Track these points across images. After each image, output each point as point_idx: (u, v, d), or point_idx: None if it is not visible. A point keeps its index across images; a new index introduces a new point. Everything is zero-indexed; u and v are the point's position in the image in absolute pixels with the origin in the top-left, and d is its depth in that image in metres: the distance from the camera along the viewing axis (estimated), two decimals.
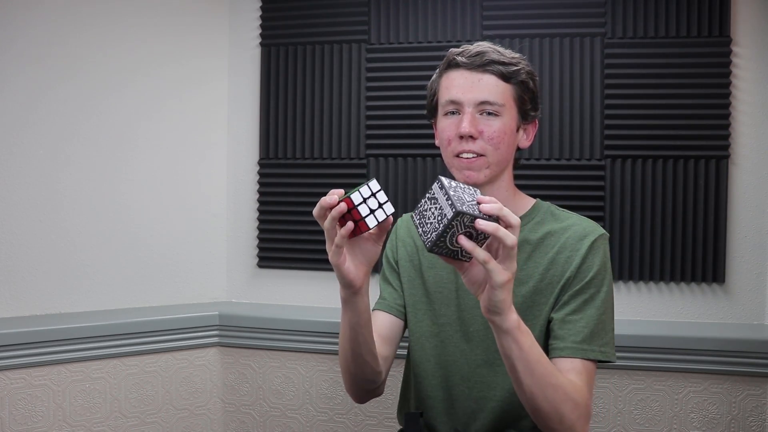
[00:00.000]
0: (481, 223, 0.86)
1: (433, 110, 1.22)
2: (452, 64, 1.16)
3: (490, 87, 1.12)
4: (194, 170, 1.96)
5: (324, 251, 1.88)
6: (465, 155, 1.13)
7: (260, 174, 1.98)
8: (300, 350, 1.80)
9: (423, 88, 1.84)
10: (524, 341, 0.96)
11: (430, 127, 1.86)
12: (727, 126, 1.74)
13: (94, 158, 1.80)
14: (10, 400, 1.55)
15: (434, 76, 1.21)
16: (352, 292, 1.04)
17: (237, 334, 1.83)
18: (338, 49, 1.91)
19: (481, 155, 1.12)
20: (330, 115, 1.92)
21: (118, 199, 1.84)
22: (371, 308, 1.24)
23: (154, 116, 1.89)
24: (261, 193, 1.98)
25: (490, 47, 1.14)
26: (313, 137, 1.93)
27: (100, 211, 1.81)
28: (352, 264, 1.02)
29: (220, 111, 2.00)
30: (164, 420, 1.78)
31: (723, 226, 1.74)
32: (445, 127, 1.16)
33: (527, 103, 1.17)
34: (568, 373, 1.07)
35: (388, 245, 1.34)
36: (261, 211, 1.98)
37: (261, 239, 1.98)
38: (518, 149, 1.21)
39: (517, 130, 1.17)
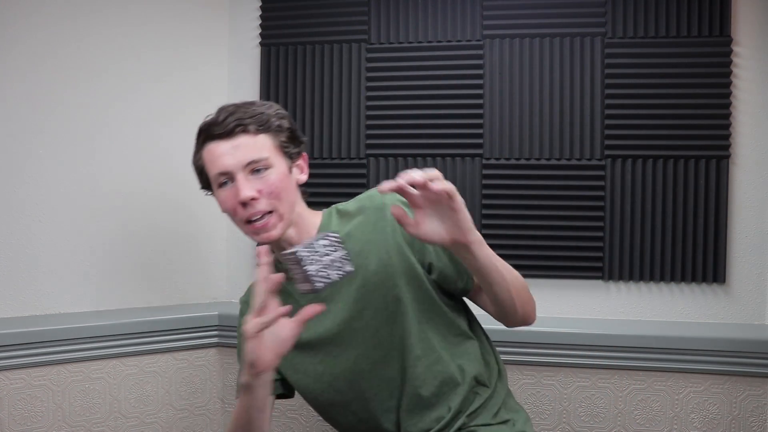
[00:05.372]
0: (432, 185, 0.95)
1: (207, 184, 1.21)
2: (207, 137, 1.15)
3: (249, 146, 1.12)
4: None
5: None
6: (255, 220, 1.13)
7: None
8: None
9: (423, 87, 1.86)
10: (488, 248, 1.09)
11: (431, 126, 1.88)
12: (728, 126, 1.73)
13: (93, 158, 1.80)
14: (9, 400, 1.55)
15: (195, 151, 1.20)
16: (258, 375, 1.00)
17: (237, 334, 1.83)
18: (338, 49, 1.91)
19: (270, 211, 1.13)
20: (330, 115, 1.92)
21: (118, 199, 1.84)
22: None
23: (153, 117, 1.89)
24: None
25: (233, 107, 1.15)
26: (313, 137, 1.93)
27: (100, 211, 1.81)
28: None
29: None
30: (164, 420, 1.78)
31: (723, 226, 1.74)
32: (225, 199, 1.15)
33: (289, 145, 1.17)
34: None
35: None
36: None
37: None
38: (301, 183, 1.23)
39: (290, 171, 1.18)
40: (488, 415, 1.21)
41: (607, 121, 1.78)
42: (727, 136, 1.74)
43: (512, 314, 1.16)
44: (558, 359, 1.68)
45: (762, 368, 1.60)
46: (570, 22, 1.79)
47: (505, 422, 1.22)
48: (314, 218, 1.23)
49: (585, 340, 1.66)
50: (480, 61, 1.84)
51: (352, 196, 1.90)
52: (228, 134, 1.12)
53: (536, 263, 1.82)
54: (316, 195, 1.93)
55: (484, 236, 1.82)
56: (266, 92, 1.96)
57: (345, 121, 1.91)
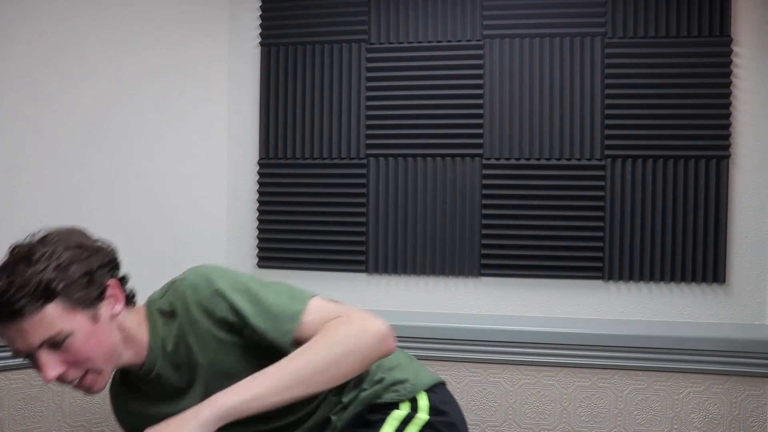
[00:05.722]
0: None
1: None
2: None
3: (35, 326, 0.98)
4: (194, 170, 1.96)
5: (324, 251, 1.89)
6: (76, 384, 1.04)
7: (260, 174, 1.97)
8: None
9: (423, 87, 1.86)
10: (257, 387, 0.96)
11: (431, 126, 1.88)
12: (728, 126, 1.74)
13: (93, 159, 1.80)
14: (9, 400, 1.55)
15: None
16: None
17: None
18: (338, 49, 1.91)
19: (86, 371, 1.03)
20: (330, 115, 1.92)
21: (118, 199, 1.84)
22: None
23: (153, 117, 1.89)
24: (261, 193, 1.98)
25: (5, 282, 0.97)
26: (313, 137, 1.93)
27: (100, 211, 1.80)
28: None
29: (220, 111, 2.00)
30: None
31: (723, 226, 1.74)
32: (40, 372, 1.01)
33: (86, 293, 1.02)
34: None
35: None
36: (261, 211, 1.98)
37: (261, 239, 1.98)
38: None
39: (98, 317, 1.04)
40: (369, 383, 1.19)
41: (607, 121, 1.78)
42: (727, 136, 1.74)
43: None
44: (558, 359, 1.68)
45: (762, 368, 1.60)
46: (570, 22, 1.79)
47: (379, 381, 1.19)
48: (142, 329, 1.12)
49: (585, 340, 1.66)
50: (480, 61, 1.84)
51: (351, 195, 1.93)
52: (7, 320, 0.97)
53: (536, 263, 1.82)
54: (316, 195, 1.95)
55: (485, 236, 1.84)
56: (266, 92, 1.96)
57: (345, 121, 1.91)
